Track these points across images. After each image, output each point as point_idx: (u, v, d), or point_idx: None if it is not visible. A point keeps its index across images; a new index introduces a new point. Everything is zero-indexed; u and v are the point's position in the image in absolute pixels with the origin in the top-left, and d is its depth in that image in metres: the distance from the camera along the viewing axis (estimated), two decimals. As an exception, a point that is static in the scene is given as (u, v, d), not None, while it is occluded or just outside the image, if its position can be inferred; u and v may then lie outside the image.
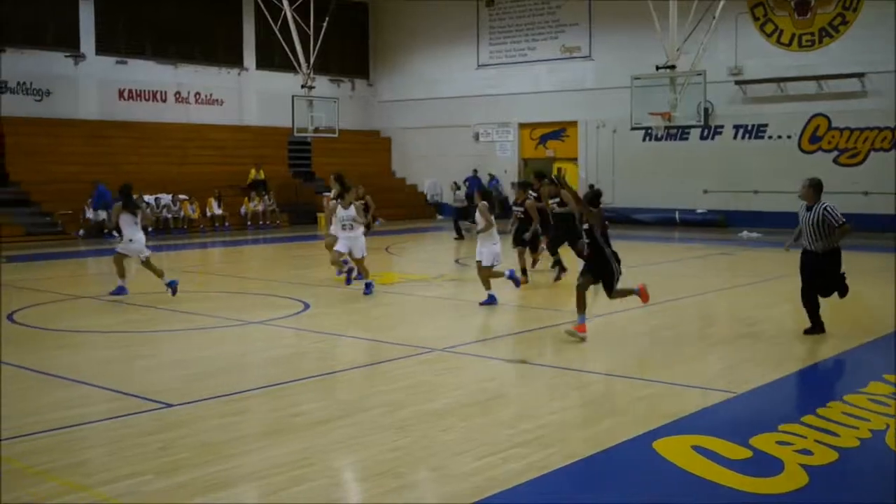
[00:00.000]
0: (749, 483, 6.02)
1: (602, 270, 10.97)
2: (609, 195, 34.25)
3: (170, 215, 30.42)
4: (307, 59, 32.23)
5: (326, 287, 16.10)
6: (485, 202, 13.99)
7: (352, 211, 15.41)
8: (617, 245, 11.29)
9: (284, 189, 35.06)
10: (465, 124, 37.91)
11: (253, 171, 33.80)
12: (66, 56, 31.84)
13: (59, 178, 29.31)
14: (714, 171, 31.59)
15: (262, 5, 31.89)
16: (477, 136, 38.03)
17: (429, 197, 38.64)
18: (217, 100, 35.98)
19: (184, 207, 30.88)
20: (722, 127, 31.88)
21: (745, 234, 28.16)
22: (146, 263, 15.03)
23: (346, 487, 6.32)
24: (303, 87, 32.45)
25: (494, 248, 13.87)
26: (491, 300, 13.83)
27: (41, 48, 31.09)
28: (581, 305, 10.94)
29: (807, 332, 11.18)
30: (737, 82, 31.30)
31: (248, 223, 32.46)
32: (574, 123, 35.51)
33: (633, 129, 29.51)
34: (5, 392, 8.68)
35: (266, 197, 33.26)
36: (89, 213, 28.40)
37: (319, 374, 9.40)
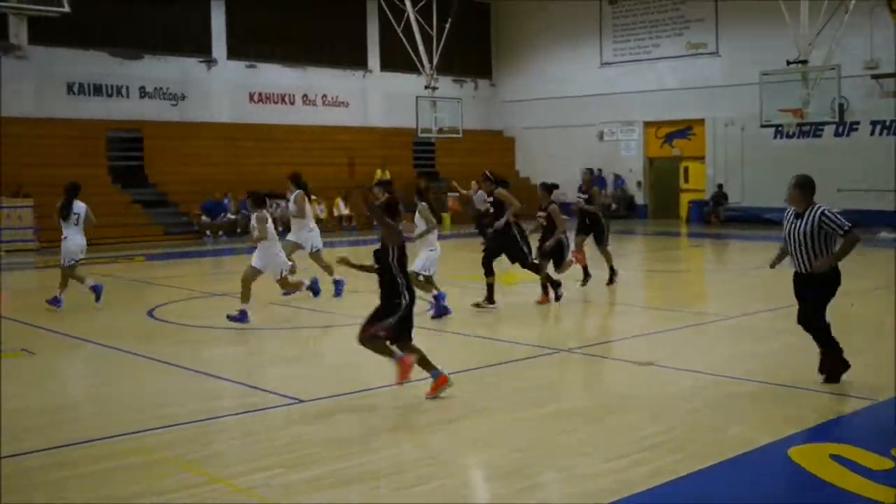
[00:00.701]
0: (893, 495, 5.76)
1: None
2: (738, 194, 33.48)
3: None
4: (430, 60, 32.48)
5: (449, 286, 16.17)
6: (424, 203, 12.76)
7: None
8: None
9: (409, 189, 35.37)
10: (589, 123, 37.55)
11: (378, 172, 34.26)
12: (199, 62, 32.95)
13: (194, 179, 30.35)
14: (849, 168, 30.36)
15: (385, 8, 32.29)
16: (601, 136, 37.65)
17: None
18: (343, 102, 36.64)
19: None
20: (858, 123, 30.68)
21: (883, 234, 27.04)
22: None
23: (475, 487, 6.34)
24: (426, 87, 32.71)
25: (432, 254, 12.78)
26: (440, 310, 12.62)
27: (176, 54, 32.27)
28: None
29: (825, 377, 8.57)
30: (873, 76, 30.07)
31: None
32: (701, 121, 34.77)
33: (762, 126, 28.70)
34: (146, 384, 9.05)
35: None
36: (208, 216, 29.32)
37: (447, 373, 9.45)
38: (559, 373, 9.42)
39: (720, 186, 33.78)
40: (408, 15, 31.66)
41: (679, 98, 34.97)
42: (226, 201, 29.84)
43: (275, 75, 34.71)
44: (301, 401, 8.21)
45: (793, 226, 8.49)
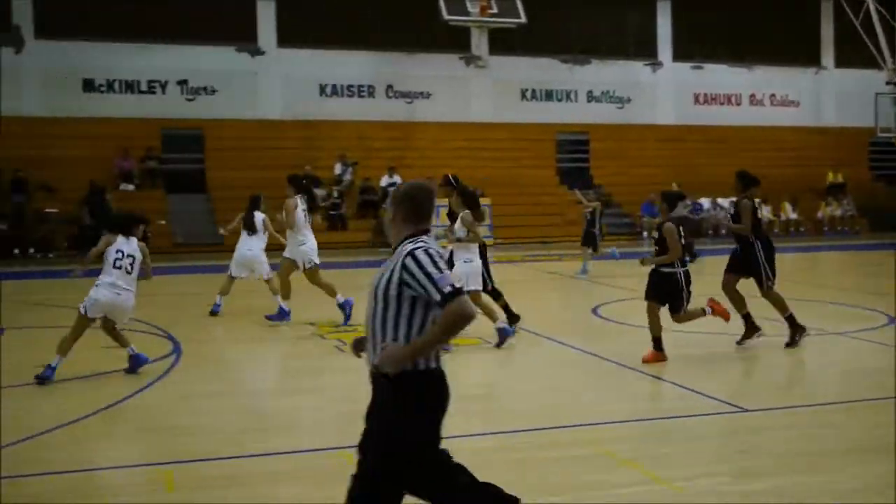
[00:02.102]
0: None
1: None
2: None
3: (740, 219, 30.32)
4: (893, 54, 29.94)
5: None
6: (468, 211, 10.81)
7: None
8: None
9: (864, 193, 32.97)
10: None
11: (830, 174, 32.30)
12: (644, 64, 33.26)
13: (637, 181, 30.72)
14: None
15: (842, 1, 30.32)
16: None
17: None
18: (793, 101, 35.01)
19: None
20: None
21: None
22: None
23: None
24: (887, 83, 30.22)
25: (466, 266, 10.65)
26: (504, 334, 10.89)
27: (623, 58, 32.84)
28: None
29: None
30: None
31: (825, 228, 31.13)
32: None
33: None
34: (589, 379, 9.29)
35: (844, 201, 31.60)
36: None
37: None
38: None
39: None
40: (867, 6, 29.44)
41: None
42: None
43: (721, 76, 34.03)
44: (746, 410, 7.93)
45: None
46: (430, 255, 4.17)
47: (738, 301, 10.83)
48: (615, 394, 8.71)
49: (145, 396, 8.69)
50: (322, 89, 30.00)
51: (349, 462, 6.46)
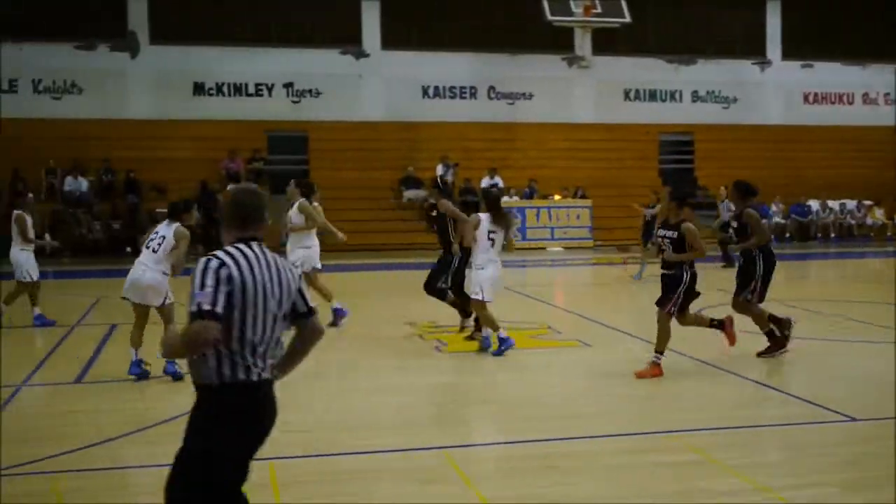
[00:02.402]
0: None
1: None
2: None
3: (853, 221, 29.41)
4: None
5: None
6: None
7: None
8: None
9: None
10: None
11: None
12: (752, 63, 32.54)
13: (741, 183, 30.06)
14: None
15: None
16: None
17: None
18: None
19: (870, 213, 29.58)
20: None
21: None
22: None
23: None
24: None
25: (481, 273, 10.46)
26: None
27: (729, 57, 32.20)
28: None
29: None
30: None
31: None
32: None
33: None
34: (689, 383, 9.13)
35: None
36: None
37: None
38: None
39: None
40: None
41: None
42: (772, 206, 29.11)
43: (832, 74, 33.06)
44: (854, 419, 7.69)
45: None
46: (205, 268, 3.97)
47: (759, 318, 10.38)
48: (716, 399, 8.53)
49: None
50: (424, 91, 30.22)
51: (447, 461, 6.53)
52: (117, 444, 7.13)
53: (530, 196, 27.51)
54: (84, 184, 25.82)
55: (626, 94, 31.63)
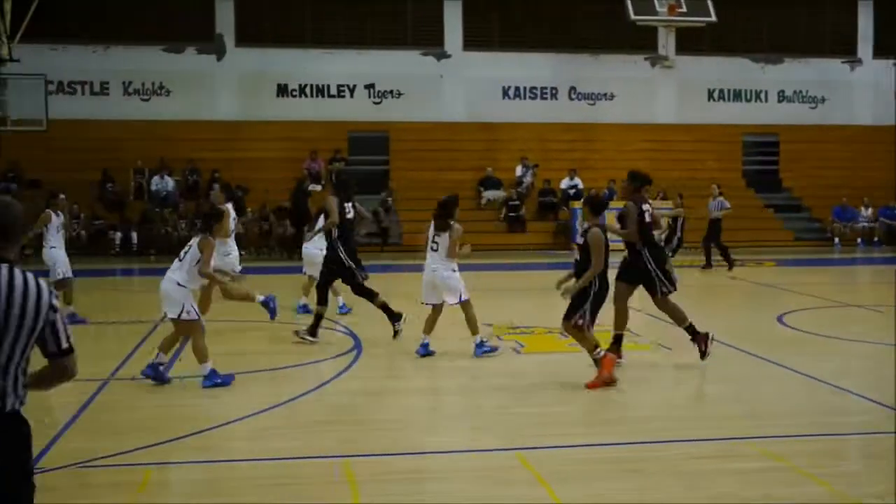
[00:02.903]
0: None
1: None
2: None
3: None
4: None
5: None
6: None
7: None
8: None
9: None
10: None
11: None
12: (842, 62, 31.78)
13: (828, 184, 29.42)
14: None
15: None
16: None
17: None
18: None
19: None
20: None
21: None
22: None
23: None
24: None
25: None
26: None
27: (818, 56, 31.49)
28: None
29: None
30: None
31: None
32: None
33: None
34: (766, 388, 8.97)
35: None
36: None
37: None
38: None
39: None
40: None
41: None
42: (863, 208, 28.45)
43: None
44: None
45: None
46: None
47: (623, 316, 9.95)
48: (800, 406, 8.38)
49: (326, 390, 9.01)
50: (504, 91, 30.19)
51: (523, 463, 6.54)
52: (202, 437, 7.31)
53: (610, 197, 27.24)
54: (170, 183, 26.43)
55: (710, 95, 31.14)
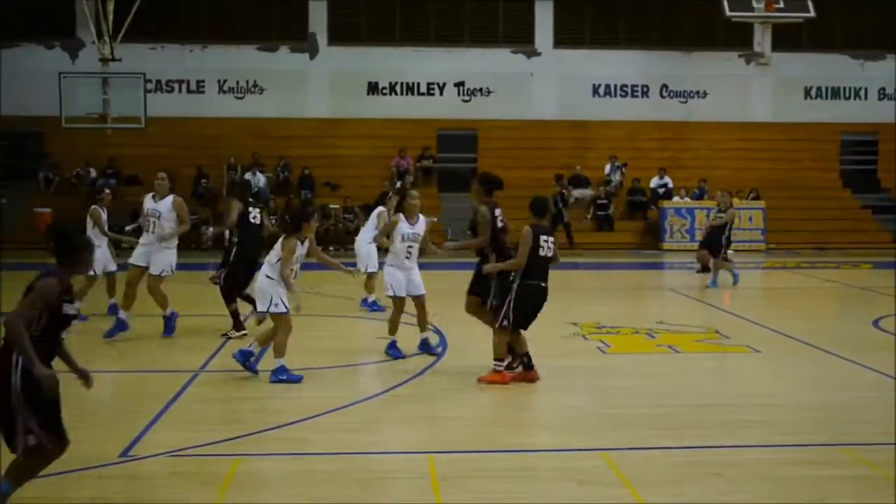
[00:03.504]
0: None
1: None
2: None
3: None
4: None
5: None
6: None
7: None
8: None
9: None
10: None
11: None
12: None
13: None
14: None
15: None
16: None
17: None
18: None
19: None
20: None
21: None
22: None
23: None
24: None
25: None
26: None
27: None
28: None
29: None
30: None
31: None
32: None
33: None
34: (855, 393, 8.73)
35: None
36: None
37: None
38: None
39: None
40: None
41: None
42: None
43: None
44: None
45: None
46: None
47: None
48: (888, 412, 8.13)
49: (409, 387, 9.08)
50: (595, 89, 29.94)
51: (607, 463, 6.50)
52: (289, 430, 7.45)
53: (700, 197, 26.82)
54: (262, 179, 26.91)
55: (807, 92, 30.38)
